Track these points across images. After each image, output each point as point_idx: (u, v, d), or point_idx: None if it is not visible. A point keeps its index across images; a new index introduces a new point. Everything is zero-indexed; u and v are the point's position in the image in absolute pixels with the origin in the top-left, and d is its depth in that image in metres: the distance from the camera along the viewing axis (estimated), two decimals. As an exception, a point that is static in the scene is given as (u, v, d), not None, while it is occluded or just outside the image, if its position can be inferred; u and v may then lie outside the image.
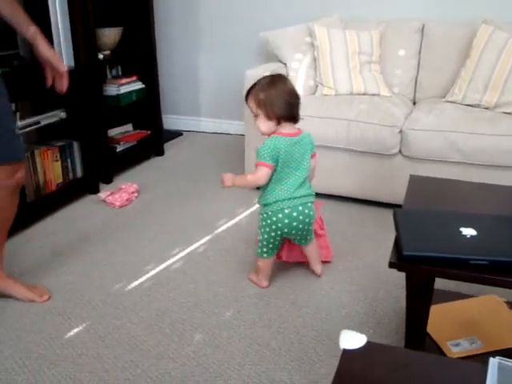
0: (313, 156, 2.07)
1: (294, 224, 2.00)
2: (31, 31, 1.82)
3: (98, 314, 1.99)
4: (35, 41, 1.83)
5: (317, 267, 2.22)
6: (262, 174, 1.95)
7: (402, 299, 1.91)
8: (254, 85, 1.97)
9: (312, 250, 2.19)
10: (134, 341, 1.84)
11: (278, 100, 1.91)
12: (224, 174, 2.05)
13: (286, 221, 1.99)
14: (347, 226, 2.68)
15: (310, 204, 2.04)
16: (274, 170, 1.96)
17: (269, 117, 1.92)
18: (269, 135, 1.97)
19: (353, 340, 1.01)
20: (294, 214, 1.99)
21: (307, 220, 2.03)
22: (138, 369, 1.71)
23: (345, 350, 1.00)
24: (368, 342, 1.00)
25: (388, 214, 2.36)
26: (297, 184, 2.00)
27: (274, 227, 2.02)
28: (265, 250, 2.09)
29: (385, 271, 2.20)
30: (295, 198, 1.99)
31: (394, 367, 0.97)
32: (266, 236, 2.06)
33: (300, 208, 2.00)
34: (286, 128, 1.96)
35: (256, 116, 1.95)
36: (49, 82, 1.90)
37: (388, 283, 2.17)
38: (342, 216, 2.78)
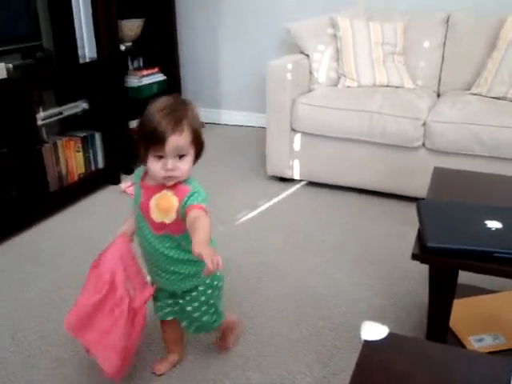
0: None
1: None
2: None
3: (118, 303, 2.00)
4: None
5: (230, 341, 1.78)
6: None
7: (423, 294, 1.89)
8: (176, 109, 1.34)
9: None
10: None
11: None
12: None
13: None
14: (368, 219, 2.65)
15: None
16: None
17: (198, 154, 1.40)
18: (183, 179, 1.39)
19: (374, 331, 0.99)
20: None
21: None
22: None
23: (366, 341, 0.98)
24: (390, 334, 0.99)
25: (409, 208, 2.32)
26: None
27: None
28: (221, 309, 1.63)
29: (406, 265, 2.18)
30: None
31: (416, 359, 0.95)
32: (220, 298, 1.62)
33: None
34: None
35: (180, 157, 1.34)
36: None
37: (409, 277, 2.14)
38: (363, 209, 2.75)
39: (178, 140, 1.31)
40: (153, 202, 1.39)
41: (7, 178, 2.48)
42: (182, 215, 1.36)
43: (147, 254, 1.49)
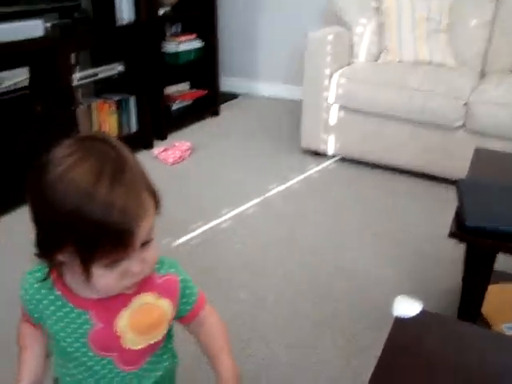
0: None
1: None
2: None
3: (145, 266, 2.00)
4: None
5: None
6: None
7: (455, 277, 1.84)
8: (120, 166, 0.75)
9: None
10: (178, 295, 1.84)
11: None
12: None
13: None
14: (401, 199, 2.59)
15: None
16: None
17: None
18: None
19: (407, 307, 0.95)
20: None
21: None
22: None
23: (397, 318, 0.95)
24: (423, 311, 0.95)
25: (444, 190, 2.25)
26: None
27: None
28: None
29: (438, 248, 2.12)
30: None
31: (448, 339, 0.92)
32: None
33: None
34: None
35: (147, 242, 0.76)
36: None
37: (441, 260, 2.08)
38: (396, 188, 2.69)
39: (147, 224, 0.75)
40: (123, 324, 0.84)
41: (40, 138, 2.48)
42: (177, 318, 0.94)
43: None
